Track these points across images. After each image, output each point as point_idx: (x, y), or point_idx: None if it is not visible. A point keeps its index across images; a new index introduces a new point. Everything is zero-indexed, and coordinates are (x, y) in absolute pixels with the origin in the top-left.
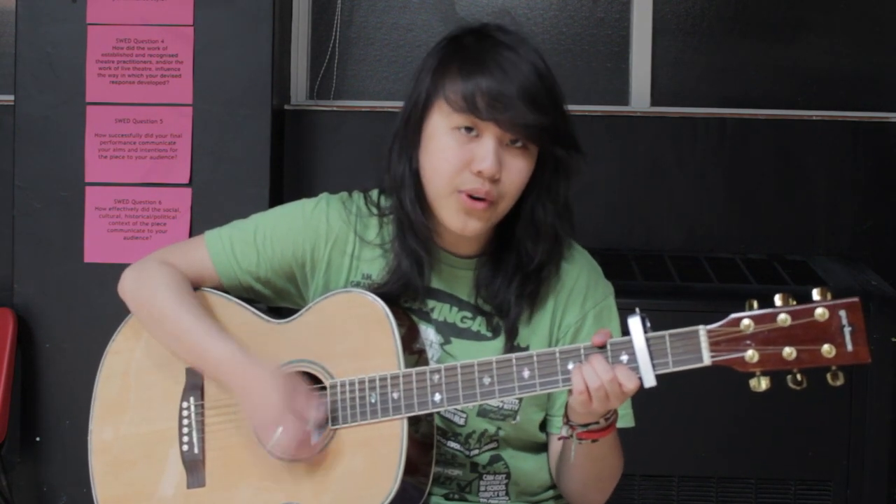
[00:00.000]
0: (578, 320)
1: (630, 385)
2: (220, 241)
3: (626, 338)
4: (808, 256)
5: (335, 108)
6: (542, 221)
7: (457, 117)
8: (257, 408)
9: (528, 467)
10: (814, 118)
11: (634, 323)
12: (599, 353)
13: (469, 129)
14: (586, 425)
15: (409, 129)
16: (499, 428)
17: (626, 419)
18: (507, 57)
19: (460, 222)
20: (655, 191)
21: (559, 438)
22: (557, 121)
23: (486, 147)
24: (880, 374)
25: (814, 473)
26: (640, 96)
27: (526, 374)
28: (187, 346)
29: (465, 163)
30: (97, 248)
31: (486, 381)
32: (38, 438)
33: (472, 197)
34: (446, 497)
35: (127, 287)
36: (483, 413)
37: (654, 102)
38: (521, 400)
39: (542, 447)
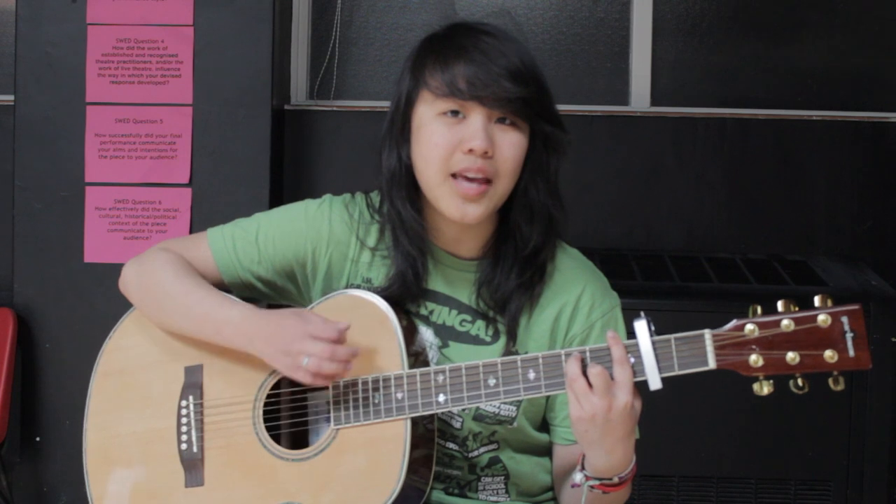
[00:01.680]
0: (584, 330)
1: (623, 375)
2: (223, 238)
3: (631, 341)
4: (808, 256)
5: (335, 108)
6: (535, 200)
7: (441, 103)
8: (278, 346)
9: (528, 469)
10: (814, 118)
11: (640, 326)
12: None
13: (455, 112)
14: (601, 479)
15: (395, 127)
16: (494, 431)
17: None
18: (486, 41)
19: (458, 210)
20: (655, 191)
21: (572, 486)
22: (541, 95)
23: (473, 125)
24: (880, 374)
25: (814, 473)
26: (640, 96)
27: (531, 375)
28: (200, 318)
29: (455, 144)
30: (97, 248)
31: (492, 382)
32: (38, 438)
33: (466, 178)
34: (446, 491)
35: (129, 278)
36: (479, 418)
37: (654, 102)
38: (518, 406)
39: (541, 449)
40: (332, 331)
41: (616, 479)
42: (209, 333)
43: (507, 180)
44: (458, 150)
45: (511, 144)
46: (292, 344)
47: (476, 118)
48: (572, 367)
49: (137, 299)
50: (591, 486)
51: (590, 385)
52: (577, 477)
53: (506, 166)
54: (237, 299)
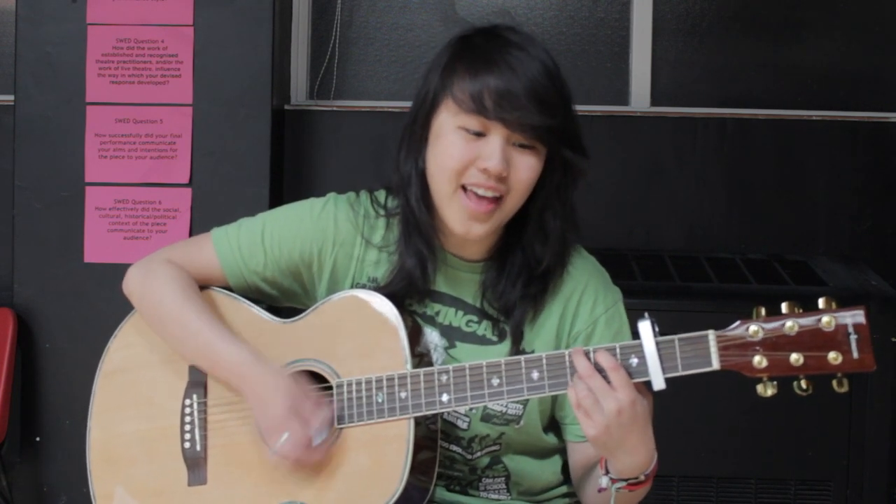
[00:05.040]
0: (589, 326)
1: (620, 379)
2: (228, 241)
3: (636, 342)
4: (808, 256)
5: (335, 108)
6: (552, 225)
7: (464, 117)
8: (266, 412)
9: (529, 470)
10: (814, 118)
11: (644, 327)
12: (604, 349)
13: (477, 133)
14: (627, 480)
15: (417, 126)
16: (502, 433)
17: None
18: (515, 55)
19: (464, 225)
20: (655, 191)
21: (599, 490)
22: (566, 122)
23: (492, 145)
24: (880, 374)
25: (814, 473)
26: (640, 96)
27: (535, 375)
28: (196, 349)
29: (471, 160)
30: (97, 248)
31: (495, 382)
32: (38, 438)
33: (477, 195)
34: (447, 488)
35: (133, 287)
36: (486, 418)
37: (654, 102)
38: (525, 405)
39: (545, 452)
40: (322, 416)
41: (642, 477)
42: (204, 365)
43: (517, 200)
44: (473, 167)
45: (527, 167)
46: (269, 428)
47: (496, 138)
48: (586, 365)
49: (139, 310)
50: (619, 488)
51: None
52: (604, 481)
53: (518, 187)
54: (234, 337)
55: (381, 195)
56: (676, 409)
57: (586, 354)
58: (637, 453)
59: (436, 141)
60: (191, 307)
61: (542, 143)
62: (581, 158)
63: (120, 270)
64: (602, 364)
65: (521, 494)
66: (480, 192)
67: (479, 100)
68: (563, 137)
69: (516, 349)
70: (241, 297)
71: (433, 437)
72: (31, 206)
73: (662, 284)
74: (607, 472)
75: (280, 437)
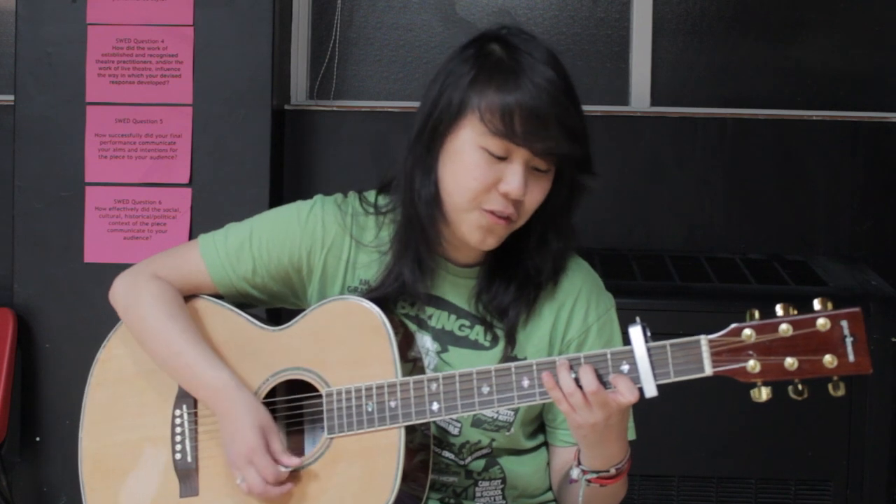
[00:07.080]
0: (582, 333)
1: (630, 396)
2: (215, 248)
3: (626, 347)
4: (808, 256)
5: (335, 108)
6: (554, 242)
7: (489, 139)
8: (230, 448)
9: (524, 471)
10: (814, 118)
11: (635, 332)
12: (590, 365)
13: (500, 157)
14: (597, 472)
15: (437, 136)
16: (492, 439)
17: (628, 432)
18: (542, 75)
19: (479, 238)
20: (655, 191)
21: (570, 482)
22: (586, 149)
23: (514, 170)
24: (880, 374)
25: (814, 473)
26: (640, 96)
27: (525, 383)
28: (177, 370)
29: (493, 183)
30: (97, 248)
31: (485, 390)
32: (38, 438)
33: (494, 213)
34: (442, 501)
35: (118, 300)
36: (477, 423)
37: (654, 102)
38: (516, 412)
39: (533, 450)
40: (272, 475)
41: (613, 471)
42: (185, 384)
43: (526, 218)
44: (494, 189)
45: (541, 189)
46: (238, 458)
47: (518, 163)
48: (567, 382)
49: (124, 322)
50: (589, 481)
51: (587, 400)
52: (574, 472)
53: (530, 206)
54: (216, 360)
55: (370, 195)
56: (676, 409)
57: (572, 366)
58: (610, 448)
59: (454, 156)
60: (174, 326)
61: (558, 166)
62: (589, 177)
63: (120, 270)
64: (583, 383)
65: (518, 498)
66: (497, 212)
67: (510, 124)
68: (580, 163)
69: (510, 350)
70: (229, 305)
71: (426, 443)
72: (31, 206)
73: (662, 284)
74: (579, 464)
75: (238, 476)
